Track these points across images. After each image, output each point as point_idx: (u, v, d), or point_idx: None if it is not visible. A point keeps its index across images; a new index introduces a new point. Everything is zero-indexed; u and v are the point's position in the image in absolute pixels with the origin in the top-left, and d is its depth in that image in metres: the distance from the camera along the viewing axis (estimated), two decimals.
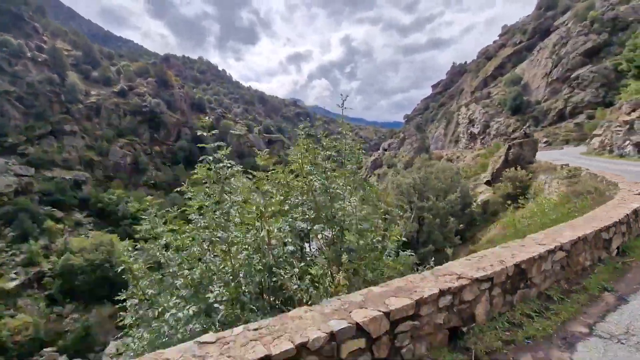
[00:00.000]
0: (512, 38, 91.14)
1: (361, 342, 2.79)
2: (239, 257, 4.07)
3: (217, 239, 3.98)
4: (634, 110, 18.04)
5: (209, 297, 3.62)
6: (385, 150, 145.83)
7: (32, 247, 40.58)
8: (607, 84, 48.61)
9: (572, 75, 54.28)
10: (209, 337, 2.63)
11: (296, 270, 3.92)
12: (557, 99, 56.04)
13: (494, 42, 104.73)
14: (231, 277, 3.89)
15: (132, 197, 56.90)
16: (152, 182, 65.25)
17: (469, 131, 74.30)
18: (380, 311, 2.94)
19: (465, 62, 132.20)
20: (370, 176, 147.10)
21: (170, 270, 3.97)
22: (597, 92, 49.79)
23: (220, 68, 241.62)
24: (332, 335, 2.62)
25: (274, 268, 4.02)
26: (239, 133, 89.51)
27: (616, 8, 55.36)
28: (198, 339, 2.60)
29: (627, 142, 17.79)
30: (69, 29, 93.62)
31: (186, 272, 3.90)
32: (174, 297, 3.81)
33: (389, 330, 2.99)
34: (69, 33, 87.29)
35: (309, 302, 3.63)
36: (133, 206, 54.52)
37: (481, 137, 69.16)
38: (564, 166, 14.69)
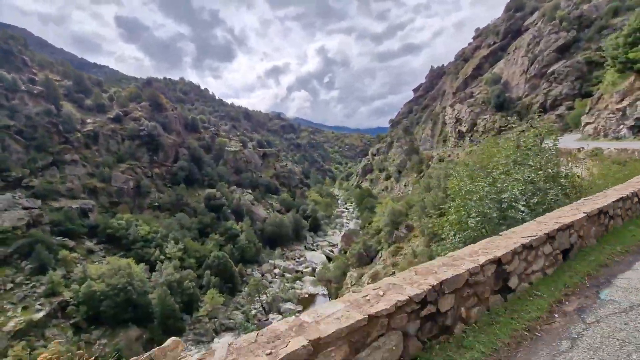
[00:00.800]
0: (485, 39, 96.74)
1: (584, 220, 6.49)
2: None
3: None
4: (622, 100, 21.26)
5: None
6: (375, 155, 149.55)
7: (54, 277, 40.68)
8: (581, 76, 53.21)
9: (548, 71, 58.92)
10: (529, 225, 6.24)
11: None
12: (537, 93, 60.48)
13: (469, 44, 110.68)
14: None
15: (140, 220, 57.25)
16: (156, 204, 65.61)
17: (457, 130, 78.20)
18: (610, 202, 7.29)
19: (443, 65, 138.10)
20: (362, 182, 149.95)
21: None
22: (572, 85, 54.30)
23: (201, 87, 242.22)
24: (591, 216, 6.65)
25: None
26: (235, 149, 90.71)
27: (580, 7, 60.79)
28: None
29: (622, 126, 20.94)
30: (54, 60, 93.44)
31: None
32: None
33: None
34: (55, 63, 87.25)
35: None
36: (144, 229, 54.99)
37: (469, 134, 73.08)
38: (581, 149, 17.47)
